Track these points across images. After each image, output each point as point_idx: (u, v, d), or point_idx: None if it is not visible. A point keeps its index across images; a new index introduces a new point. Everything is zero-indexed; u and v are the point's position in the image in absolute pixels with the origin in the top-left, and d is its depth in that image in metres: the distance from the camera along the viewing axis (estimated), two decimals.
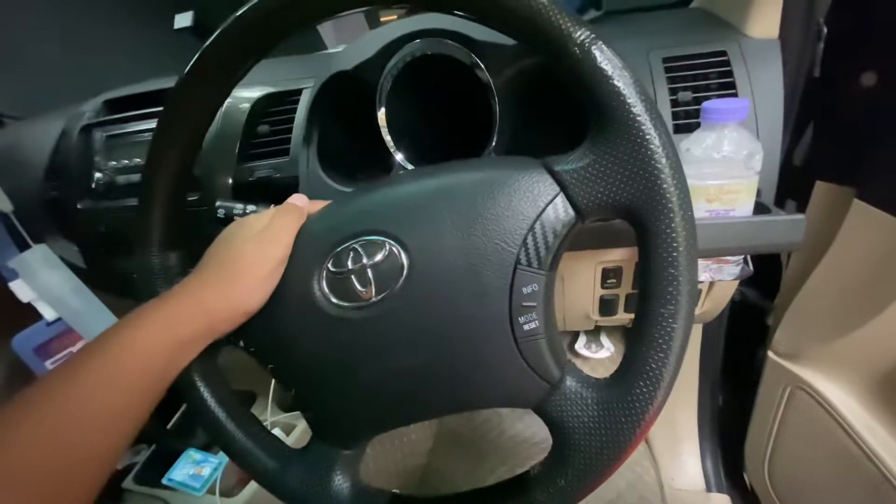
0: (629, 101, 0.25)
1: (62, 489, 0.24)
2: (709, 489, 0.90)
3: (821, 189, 0.58)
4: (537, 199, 0.28)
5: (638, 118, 0.25)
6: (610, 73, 0.25)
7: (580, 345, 1.10)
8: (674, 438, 0.93)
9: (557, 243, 0.28)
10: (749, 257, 0.46)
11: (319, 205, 0.36)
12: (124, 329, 0.28)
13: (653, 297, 0.26)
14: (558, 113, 0.49)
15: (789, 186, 0.49)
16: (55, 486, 0.24)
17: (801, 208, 0.61)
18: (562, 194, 0.27)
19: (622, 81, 0.25)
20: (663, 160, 0.25)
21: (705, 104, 0.38)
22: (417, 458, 1.00)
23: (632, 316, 0.64)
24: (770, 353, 0.68)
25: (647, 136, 0.25)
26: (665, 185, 0.25)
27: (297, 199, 0.36)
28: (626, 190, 0.26)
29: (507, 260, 0.28)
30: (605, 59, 0.25)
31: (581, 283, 0.59)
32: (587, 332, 1.13)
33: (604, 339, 1.11)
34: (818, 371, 0.61)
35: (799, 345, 0.63)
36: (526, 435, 1.00)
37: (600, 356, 1.08)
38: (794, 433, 0.67)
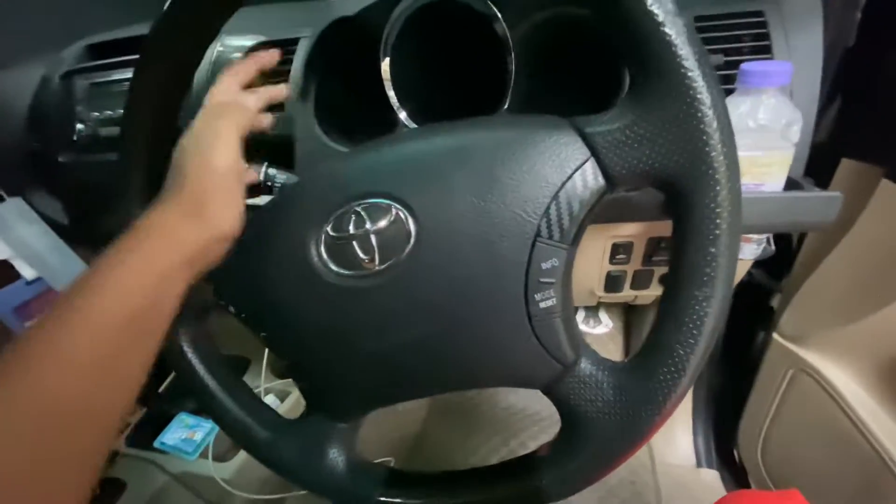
0: (681, 52, 0.22)
1: (64, 443, 0.22)
2: (699, 465, 0.91)
3: (846, 167, 0.55)
4: (564, 165, 0.24)
5: (690, 73, 0.22)
6: (661, 18, 0.21)
7: (578, 319, 1.09)
8: None
9: (583, 214, 0.25)
10: (771, 237, 0.43)
11: (271, 92, 0.35)
12: (96, 274, 0.25)
13: (687, 277, 0.24)
14: (579, 72, 0.45)
15: (812, 163, 0.46)
16: (56, 441, 0.22)
17: (822, 187, 0.58)
18: (592, 159, 0.24)
19: (674, 29, 0.21)
20: (714, 123, 0.22)
21: (744, 66, 0.35)
22: (410, 427, 1.01)
23: (637, 293, 0.63)
24: (775, 335, 0.67)
25: (699, 95, 0.22)
26: (714, 153, 0.22)
27: (237, 94, 0.34)
28: (668, 156, 0.23)
29: (527, 231, 0.25)
30: (654, 1, 0.22)
31: (589, 258, 0.57)
32: (586, 308, 1.12)
33: (602, 315, 1.10)
34: (825, 355, 0.60)
35: (806, 328, 0.62)
36: (519, 407, 1.01)
37: (598, 332, 1.08)
38: (793, 414, 0.67)
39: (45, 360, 0.22)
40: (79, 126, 0.62)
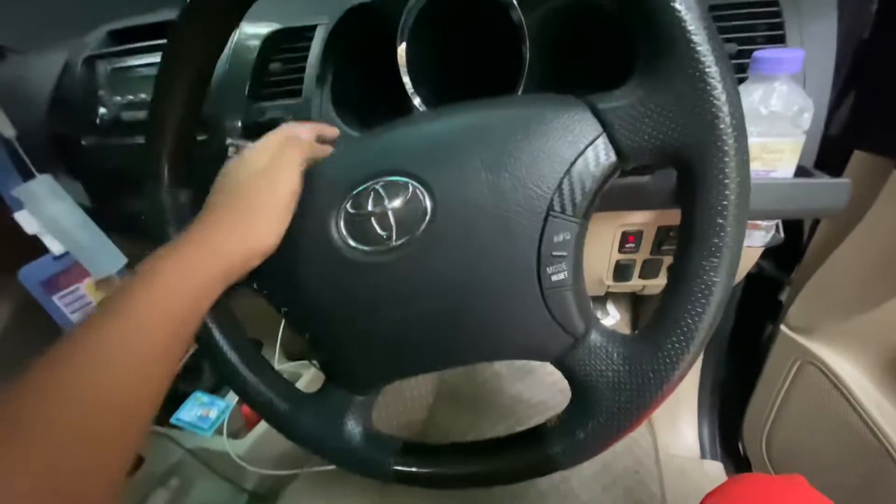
0: (690, 28, 0.22)
1: (103, 440, 0.23)
2: (703, 456, 0.92)
3: (858, 159, 0.55)
4: (577, 141, 0.25)
5: (699, 49, 0.22)
6: None
7: None
8: (673, 405, 0.94)
9: (595, 189, 0.26)
10: (780, 224, 0.44)
11: (325, 130, 0.35)
12: (141, 282, 0.27)
13: (695, 247, 0.24)
14: (593, 58, 0.46)
15: (823, 154, 0.47)
16: (96, 438, 0.23)
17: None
18: (604, 135, 0.25)
19: (684, 5, 0.22)
20: (722, 97, 0.23)
21: (757, 53, 0.35)
22: (418, 413, 1.02)
23: (645, 282, 0.64)
24: (783, 328, 0.67)
25: (708, 70, 0.23)
26: (722, 126, 0.23)
27: (299, 129, 0.35)
28: (677, 130, 0.24)
29: (540, 206, 0.26)
30: None
31: (598, 247, 0.57)
32: (594, 298, 1.12)
33: (610, 306, 1.11)
34: (832, 347, 0.60)
35: (815, 320, 0.62)
36: (525, 396, 1.02)
37: (606, 323, 1.08)
38: (799, 406, 0.67)
39: (93, 354, 0.24)
40: (101, 110, 0.63)
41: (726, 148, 0.23)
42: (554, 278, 0.27)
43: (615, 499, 0.82)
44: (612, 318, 1.09)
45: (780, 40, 0.43)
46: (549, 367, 0.30)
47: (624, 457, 0.86)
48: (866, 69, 0.54)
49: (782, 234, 0.43)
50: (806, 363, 0.64)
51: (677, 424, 0.94)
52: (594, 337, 0.28)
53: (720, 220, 0.24)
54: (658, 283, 0.63)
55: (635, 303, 1.09)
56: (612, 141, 0.25)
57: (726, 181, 0.23)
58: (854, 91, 0.56)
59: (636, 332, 0.28)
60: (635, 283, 0.63)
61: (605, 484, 0.83)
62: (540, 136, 0.26)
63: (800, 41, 0.42)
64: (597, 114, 0.25)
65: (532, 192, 0.26)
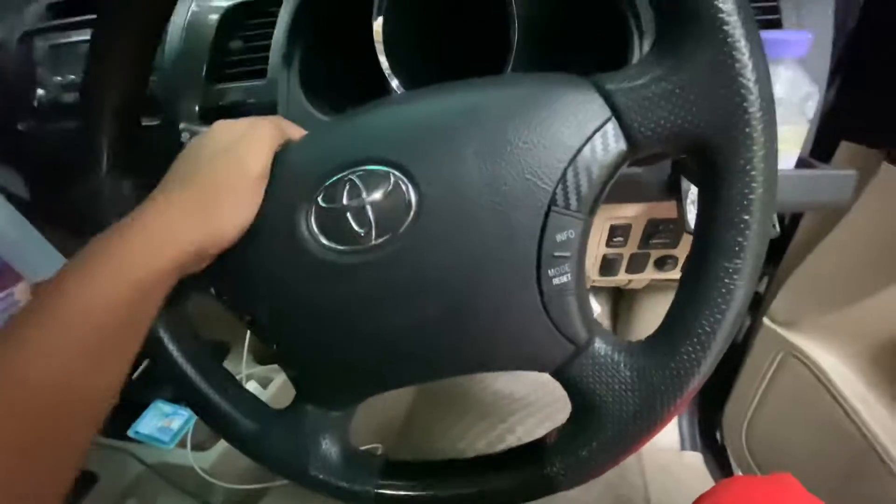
0: None
1: (46, 432, 0.22)
2: (683, 448, 0.92)
3: (845, 150, 0.54)
4: (583, 125, 0.22)
5: (727, 21, 0.19)
6: None
7: None
8: None
9: (603, 180, 0.23)
10: (776, 218, 0.42)
11: (299, 130, 0.30)
12: (66, 281, 0.23)
13: (715, 247, 0.22)
14: (586, 36, 0.43)
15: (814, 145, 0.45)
16: (39, 430, 0.22)
17: None
18: (614, 120, 0.22)
19: None
20: (753, 75, 0.20)
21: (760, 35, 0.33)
22: (397, 412, 0.99)
23: (631, 277, 0.62)
24: (766, 321, 0.67)
25: (737, 45, 0.20)
26: (751, 110, 0.20)
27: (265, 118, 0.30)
28: (699, 113, 0.21)
29: (541, 200, 0.23)
30: None
31: None
32: None
33: (591, 299, 1.10)
34: (816, 340, 0.60)
35: (799, 313, 0.62)
36: (506, 392, 1.00)
37: None
38: (781, 399, 0.67)
39: (26, 350, 0.22)
40: (39, 91, 0.57)
41: (755, 134, 0.20)
42: (556, 281, 0.24)
43: (599, 494, 0.81)
44: (594, 310, 1.08)
45: (776, 25, 0.41)
46: None
47: None
48: (854, 58, 0.53)
49: (778, 229, 0.42)
50: (789, 356, 0.64)
51: None
52: (598, 346, 0.25)
53: (745, 217, 0.21)
54: (644, 277, 0.61)
55: (616, 296, 1.09)
56: (623, 126, 0.22)
57: (753, 172, 0.20)
58: (841, 80, 0.55)
59: (644, 339, 0.25)
60: (621, 278, 0.62)
61: None
62: (541, 119, 0.23)
63: (797, 26, 0.40)
64: (605, 96, 0.22)
65: (532, 185, 0.23)
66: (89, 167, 0.32)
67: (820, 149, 0.57)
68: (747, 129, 0.20)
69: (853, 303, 0.53)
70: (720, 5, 0.19)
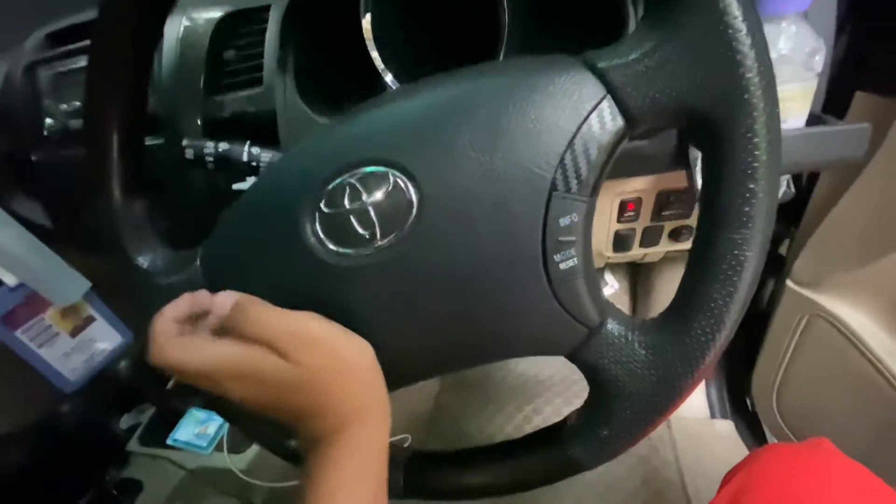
0: None
1: None
2: (713, 416, 0.91)
3: (861, 101, 0.52)
4: (578, 107, 0.22)
5: None
6: None
7: None
8: None
9: (602, 160, 0.22)
10: (790, 179, 0.41)
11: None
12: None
13: (722, 219, 0.21)
14: (576, 14, 0.42)
15: (827, 98, 0.43)
16: None
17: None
18: (609, 97, 0.22)
19: None
20: (748, 42, 0.19)
21: None
22: (424, 402, 1.01)
23: (646, 251, 0.61)
24: (789, 282, 0.65)
25: (729, 9, 0.19)
26: (749, 74, 0.19)
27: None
28: (696, 83, 0.20)
29: (541, 186, 0.23)
30: None
31: (596, 219, 0.54)
32: None
33: (608, 276, 1.09)
34: (841, 298, 0.59)
35: (822, 272, 0.60)
36: (531, 373, 1.01)
37: (605, 293, 1.07)
38: (809, 360, 0.66)
39: None
40: (48, 121, 0.58)
41: (755, 99, 0.20)
42: (562, 266, 0.24)
43: (630, 468, 0.81)
44: (612, 287, 1.07)
45: None
46: None
47: None
48: (862, 5, 0.50)
49: (793, 190, 0.41)
50: (814, 317, 0.62)
51: None
52: (611, 326, 0.25)
53: (751, 185, 0.20)
54: (659, 249, 0.60)
55: (633, 271, 1.07)
56: (619, 103, 0.22)
57: (756, 139, 0.20)
58: (853, 28, 0.53)
59: (658, 315, 0.25)
60: (636, 253, 0.61)
61: None
62: (534, 106, 0.22)
63: None
64: (598, 74, 0.22)
65: (530, 172, 0.23)
66: (99, 191, 0.33)
67: (835, 102, 0.55)
68: (745, 96, 0.20)
69: (876, 258, 0.51)
70: None
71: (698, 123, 0.21)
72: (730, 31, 0.19)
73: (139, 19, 0.29)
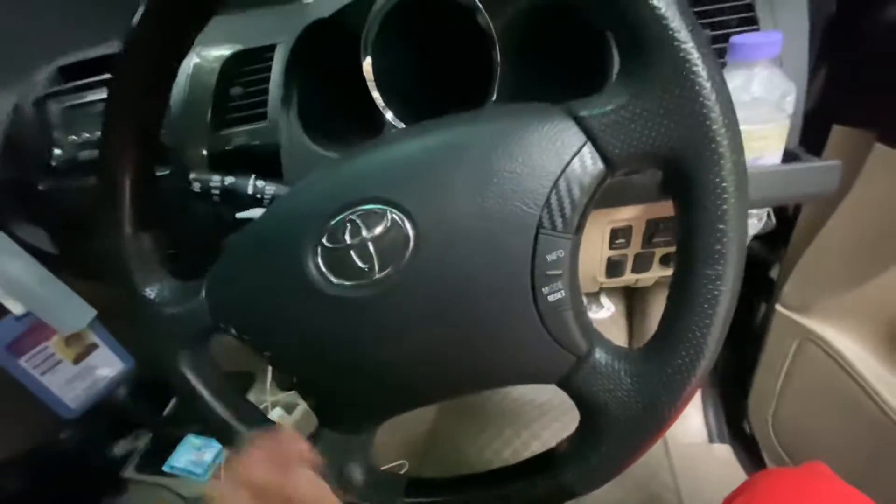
0: (673, 24, 0.21)
1: None
2: (711, 440, 0.91)
3: (838, 133, 0.55)
4: (561, 152, 0.24)
5: (683, 45, 0.21)
6: None
7: None
8: None
9: (585, 200, 0.24)
10: (772, 210, 0.43)
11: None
12: None
13: (696, 256, 0.23)
14: (565, 59, 0.44)
15: (804, 132, 0.46)
16: None
17: (816, 155, 0.58)
18: (589, 144, 0.24)
19: (664, 1, 0.21)
20: (713, 95, 0.21)
21: (733, 39, 0.34)
22: (422, 427, 1.00)
23: (638, 276, 0.63)
24: (779, 307, 0.67)
25: (694, 67, 0.21)
26: (715, 126, 0.21)
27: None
28: (667, 133, 0.22)
29: (529, 224, 0.24)
30: None
31: (589, 246, 0.56)
32: (587, 294, 1.12)
33: (603, 299, 1.10)
34: (829, 323, 0.60)
35: (810, 297, 0.62)
36: (529, 397, 1.01)
37: (601, 317, 1.08)
38: (802, 384, 0.67)
39: None
40: (56, 151, 0.60)
41: (721, 149, 0.22)
42: (551, 299, 0.25)
43: (628, 492, 0.81)
44: (608, 310, 1.08)
45: (752, 22, 0.42)
46: None
47: None
48: (837, 43, 0.53)
49: (774, 221, 0.42)
50: (805, 341, 0.63)
51: (683, 411, 0.93)
52: (598, 355, 0.26)
53: (721, 226, 0.22)
54: (651, 275, 0.62)
55: (629, 294, 1.09)
56: (598, 149, 0.24)
57: (724, 184, 0.22)
58: (828, 66, 0.55)
59: (642, 346, 0.27)
60: (628, 278, 0.63)
61: (616, 479, 0.82)
62: (521, 150, 0.24)
63: (773, 23, 0.42)
64: (579, 122, 0.24)
65: (519, 210, 0.24)
66: (110, 223, 0.34)
67: (813, 136, 0.57)
68: (713, 146, 0.21)
69: (859, 283, 0.53)
70: (677, 35, 0.21)
71: (670, 170, 0.23)
72: (696, 88, 0.21)
73: (163, 53, 0.30)
